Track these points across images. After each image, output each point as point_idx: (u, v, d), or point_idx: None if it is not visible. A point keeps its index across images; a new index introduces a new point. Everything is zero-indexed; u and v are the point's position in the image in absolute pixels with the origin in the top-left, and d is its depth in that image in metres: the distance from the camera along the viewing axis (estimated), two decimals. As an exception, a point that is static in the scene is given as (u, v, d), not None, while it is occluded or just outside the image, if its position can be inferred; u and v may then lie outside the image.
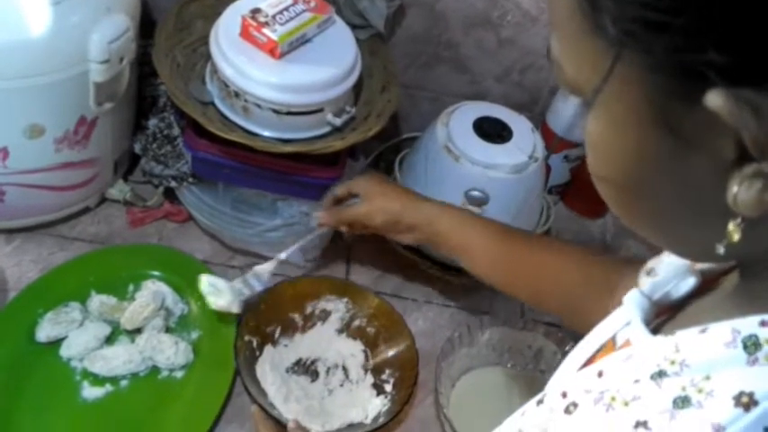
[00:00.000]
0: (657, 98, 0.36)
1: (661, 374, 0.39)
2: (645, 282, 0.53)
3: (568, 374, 0.51)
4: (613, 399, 0.41)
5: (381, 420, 0.85)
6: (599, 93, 0.38)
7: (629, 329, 0.48)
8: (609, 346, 0.50)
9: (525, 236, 0.89)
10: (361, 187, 0.89)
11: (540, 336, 0.94)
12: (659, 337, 0.43)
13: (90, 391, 0.84)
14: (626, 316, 0.50)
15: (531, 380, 0.96)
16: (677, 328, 0.41)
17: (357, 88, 0.94)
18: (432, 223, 0.85)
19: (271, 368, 0.88)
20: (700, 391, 0.37)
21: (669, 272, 0.52)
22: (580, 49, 0.38)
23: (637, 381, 0.40)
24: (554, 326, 0.95)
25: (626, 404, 0.40)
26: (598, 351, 0.50)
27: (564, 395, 0.45)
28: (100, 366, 0.84)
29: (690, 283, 0.51)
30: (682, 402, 0.37)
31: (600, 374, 0.44)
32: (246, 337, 0.88)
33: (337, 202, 0.91)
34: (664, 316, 0.52)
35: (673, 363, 0.39)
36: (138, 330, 0.88)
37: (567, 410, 0.44)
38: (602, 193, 0.43)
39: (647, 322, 0.49)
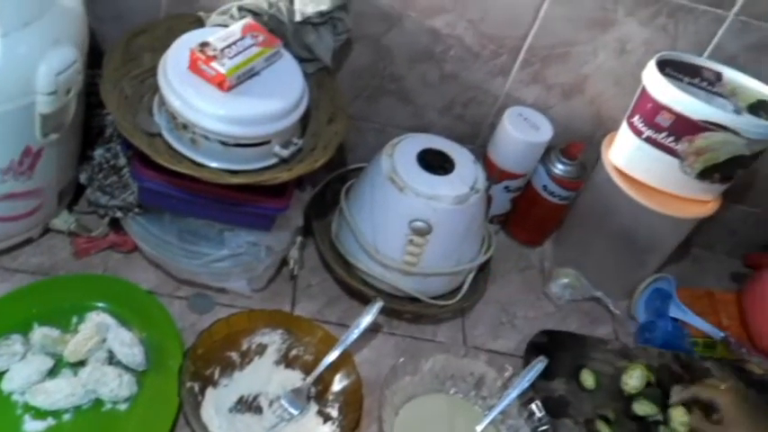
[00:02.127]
0: None
1: None
2: None
3: None
4: None
5: None
6: None
7: None
8: None
9: None
10: None
11: (482, 363, 0.97)
12: None
13: (32, 425, 0.82)
14: None
15: (473, 407, 0.98)
16: None
17: (304, 120, 0.95)
18: None
19: (216, 411, 0.87)
20: None
21: None
22: None
23: None
24: (496, 353, 0.97)
25: None
26: None
27: None
28: (42, 400, 0.83)
29: None
30: None
31: None
32: (188, 384, 0.87)
33: None
34: None
35: None
36: (82, 363, 0.88)
37: None
38: None
39: None
